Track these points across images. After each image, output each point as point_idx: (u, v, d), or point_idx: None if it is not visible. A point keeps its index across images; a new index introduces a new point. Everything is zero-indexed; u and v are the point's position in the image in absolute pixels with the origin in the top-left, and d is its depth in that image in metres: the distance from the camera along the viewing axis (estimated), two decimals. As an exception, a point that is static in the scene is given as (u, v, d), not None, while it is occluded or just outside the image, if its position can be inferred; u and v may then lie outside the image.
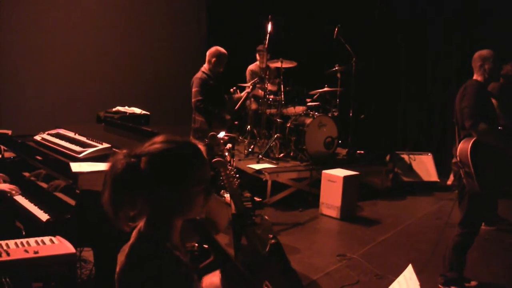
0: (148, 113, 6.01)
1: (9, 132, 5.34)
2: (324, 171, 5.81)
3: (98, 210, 1.55)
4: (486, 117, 3.58)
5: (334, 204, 5.61)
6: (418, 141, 8.07)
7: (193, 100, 5.36)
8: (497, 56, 3.73)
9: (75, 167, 3.09)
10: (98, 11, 7.73)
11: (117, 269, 1.54)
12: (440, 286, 3.86)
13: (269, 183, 5.84)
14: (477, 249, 4.35)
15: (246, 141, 6.97)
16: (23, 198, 3.27)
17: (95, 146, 3.46)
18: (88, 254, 3.61)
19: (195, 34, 8.85)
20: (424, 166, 7.09)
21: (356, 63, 7.00)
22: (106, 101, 6.68)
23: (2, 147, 4.45)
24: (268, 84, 6.66)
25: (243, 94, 6.29)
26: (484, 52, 3.75)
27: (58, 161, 3.34)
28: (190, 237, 1.77)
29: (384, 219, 5.67)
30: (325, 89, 7.00)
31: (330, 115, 6.84)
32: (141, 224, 1.59)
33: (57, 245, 2.72)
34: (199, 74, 5.41)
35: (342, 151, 7.27)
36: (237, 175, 3.05)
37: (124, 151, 1.56)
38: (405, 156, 7.13)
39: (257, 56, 7.37)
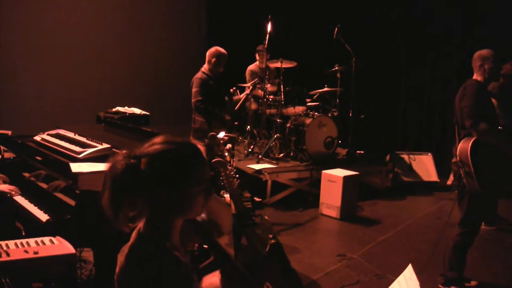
0: (148, 113, 6.02)
1: (9, 132, 5.33)
2: (324, 171, 5.81)
3: (98, 211, 1.54)
4: (486, 117, 3.58)
5: (334, 204, 5.61)
6: (418, 141, 8.07)
7: (193, 100, 5.37)
8: (497, 56, 3.73)
9: (75, 167, 3.09)
10: (98, 11, 7.73)
11: (117, 269, 1.54)
12: (440, 286, 3.86)
13: (269, 183, 5.84)
14: (477, 249, 4.35)
15: (246, 141, 6.97)
16: (23, 198, 3.27)
17: (95, 147, 3.45)
18: (88, 254, 3.61)
19: (195, 34, 8.85)
20: (424, 166, 7.09)
21: (356, 63, 7.00)
22: (106, 101, 6.68)
23: (2, 147, 4.44)
24: (268, 84, 6.66)
25: (242, 96, 6.28)
26: (484, 52, 3.75)
27: (58, 162, 3.34)
28: (192, 239, 1.77)
29: (384, 219, 5.67)
30: (325, 89, 7.00)
31: (330, 115, 6.84)
32: (140, 224, 1.59)
33: (57, 246, 2.72)
34: (199, 74, 5.41)
35: (342, 151, 7.27)
36: (237, 175, 3.04)
37: (124, 152, 1.56)
38: (405, 156, 7.13)
39: (257, 56, 7.37)
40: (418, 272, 2.01)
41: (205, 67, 5.44)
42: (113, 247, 2.72)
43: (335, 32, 6.87)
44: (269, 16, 6.54)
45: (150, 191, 1.54)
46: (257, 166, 6.06)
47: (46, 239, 2.76)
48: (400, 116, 8.33)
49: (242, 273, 1.68)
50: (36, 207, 3.10)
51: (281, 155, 6.58)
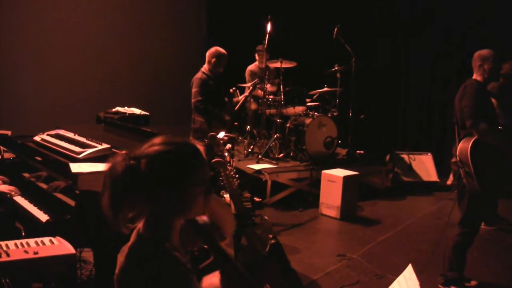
0: (148, 113, 6.02)
1: (9, 132, 5.33)
2: (324, 171, 5.81)
3: (98, 211, 1.54)
4: (486, 117, 3.58)
5: (334, 204, 5.61)
6: (418, 141, 8.07)
7: (192, 100, 5.37)
8: (497, 56, 3.73)
9: (75, 167, 3.09)
10: (98, 11, 7.73)
11: (117, 269, 1.54)
12: (440, 286, 3.86)
13: (269, 183, 5.84)
14: (477, 249, 4.35)
15: (246, 142, 6.97)
16: (23, 199, 3.27)
17: (94, 147, 3.45)
18: (88, 254, 3.60)
19: (195, 34, 8.85)
20: (424, 166, 7.09)
21: (355, 63, 7.00)
22: (105, 101, 6.68)
23: (1, 147, 4.44)
24: (268, 84, 6.66)
25: (242, 97, 6.27)
26: (484, 52, 3.75)
27: (57, 162, 3.33)
28: (193, 241, 1.77)
29: (384, 219, 5.67)
30: (325, 89, 7.01)
31: (329, 115, 6.84)
32: (140, 225, 1.59)
33: (57, 246, 2.72)
34: (199, 75, 5.41)
35: (342, 151, 7.27)
36: (237, 176, 3.04)
37: (123, 152, 1.56)
38: (405, 156, 7.13)
39: (256, 56, 7.36)
40: (418, 272, 2.01)
41: (205, 67, 5.44)
42: (113, 247, 2.72)
43: (335, 32, 6.87)
44: (269, 16, 6.54)
45: (150, 191, 1.54)
46: (257, 166, 6.06)
47: (46, 240, 2.76)
48: (400, 116, 8.33)
49: (242, 273, 1.68)
50: (36, 208, 3.10)
51: (281, 155, 6.58)
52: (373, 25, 8.43)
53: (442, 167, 7.16)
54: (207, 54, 5.45)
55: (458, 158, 3.61)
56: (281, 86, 6.58)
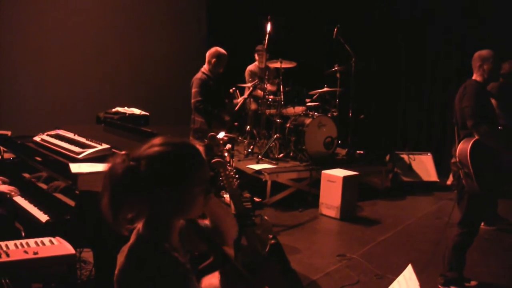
0: (148, 113, 6.01)
1: (9, 133, 5.34)
2: (323, 171, 5.81)
3: (98, 211, 1.55)
4: (486, 117, 3.58)
5: (333, 204, 5.61)
6: (417, 141, 8.07)
7: (192, 100, 5.36)
8: (496, 57, 3.73)
9: (75, 168, 3.08)
10: (98, 11, 7.73)
11: (116, 270, 1.54)
12: (440, 286, 3.86)
13: (269, 183, 5.84)
14: (477, 249, 4.35)
15: (246, 142, 6.97)
16: (23, 199, 3.26)
17: (94, 147, 3.45)
18: (88, 255, 3.60)
19: (195, 34, 8.85)
20: (424, 166, 7.09)
21: (355, 63, 7.00)
22: (105, 101, 6.68)
23: (1, 148, 4.45)
24: (268, 85, 6.66)
25: (240, 99, 6.27)
26: (484, 52, 3.75)
27: (57, 162, 3.33)
28: (195, 245, 1.77)
29: (384, 219, 5.67)
30: (325, 89, 7.01)
31: (329, 115, 6.84)
32: (139, 225, 1.59)
33: (56, 246, 2.71)
34: (199, 75, 5.41)
35: (342, 151, 7.27)
36: (237, 176, 3.04)
37: (123, 153, 1.56)
38: (405, 156, 7.13)
39: (256, 56, 7.36)
40: (418, 272, 2.01)
41: (205, 67, 5.44)
42: (113, 247, 2.73)
43: (335, 32, 6.87)
44: (269, 16, 6.53)
45: (150, 192, 1.54)
46: (256, 166, 6.06)
47: (46, 240, 2.76)
48: (400, 116, 8.33)
49: (241, 273, 1.69)
50: (36, 208, 3.10)
51: (281, 155, 6.58)
52: (373, 25, 8.43)
53: (442, 167, 7.16)
54: (207, 54, 5.45)
55: (457, 159, 3.61)
56: (281, 86, 6.58)
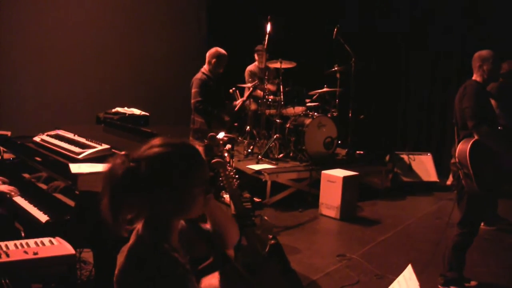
0: (148, 113, 6.00)
1: (9, 133, 5.34)
2: (323, 172, 5.81)
3: (98, 211, 1.55)
4: (486, 118, 3.58)
5: (333, 204, 5.61)
6: (417, 141, 8.07)
7: (192, 101, 5.37)
8: (496, 57, 3.74)
9: (75, 168, 3.08)
10: (98, 11, 7.73)
11: (116, 270, 1.54)
12: (439, 286, 3.86)
13: (269, 183, 5.84)
14: (477, 249, 4.35)
15: (246, 142, 6.97)
16: (23, 199, 3.26)
17: (94, 147, 3.45)
18: (87, 255, 3.60)
19: (195, 34, 8.85)
20: (424, 166, 7.09)
21: (355, 63, 7.00)
22: (105, 101, 6.68)
23: (1, 148, 4.44)
24: (268, 85, 6.66)
25: (239, 102, 6.26)
26: (484, 52, 3.75)
27: (57, 162, 3.33)
28: (197, 247, 1.77)
29: (384, 219, 5.67)
30: (325, 89, 7.01)
31: (329, 115, 6.84)
32: (139, 226, 1.59)
33: (56, 246, 2.71)
34: (199, 75, 5.41)
35: (342, 152, 7.27)
36: (237, 176, 3.04)
37: (122, 154, 1.57)
38: (405, 156, 7.13)
39: (256, 56, 7.36)
40: (418, 272, 2.01)
41: (205, 67, 5.44)
42: (112, 248, 2.74)
43: (335, 32, 6.87)
44: (269, 17, 6.53)
45: (150, 193, 1.54)
46: (256, 167, 6.06)
47: (46, 240, 2.76)
48: (400, 116, 8.33)
49: (241, 274, 1.69)
50: (36, 208, 3.09)
51: (281, 155, 6.58)
52: (373, 25, 8.42)
53: (441, 167, 7.16)
54: (207, 54, 5.45)
55: (457, 159, 3.61)
56: (281, 87, 6.58)
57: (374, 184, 6.83)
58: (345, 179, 5.58)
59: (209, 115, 5.35)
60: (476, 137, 3.56)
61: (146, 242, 1.54)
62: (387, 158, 7.14)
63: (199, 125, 5.38)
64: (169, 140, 1.60)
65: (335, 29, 6.86)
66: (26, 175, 3.70)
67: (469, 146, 3.52)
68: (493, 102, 4.02)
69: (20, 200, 3.25)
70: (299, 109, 6.74)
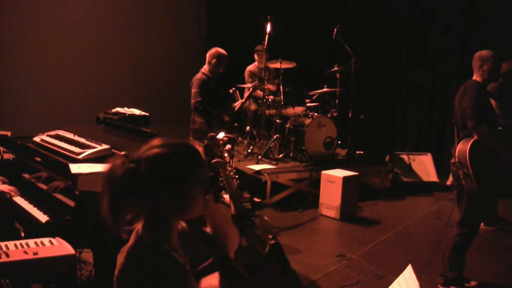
0: (148, 114, 6.01)
1: (9, 133, 5.34)
2: (323, 172, 5.81)
3: (98, 212, 1.55)
4: (486, 118, 3.58)
5: (333, 204, 5.61)
6: (417, 141, 8.07)
7: (192, 101, 5.37)
8: (497, 57, 3.73)
9: (75, 168, 3.08)
10: (98, 11, 7.73)
11: (116, 270, 1.54)
12: (440, 286, 3.86)
13: (269, 183, 5.84)
14: (477, 249, 4.35)
15: (246, 142, 6.97)
16: (22, 199, 3.26)
17: (94, 147, 3.45)
18: (87, 255, 3.60)
19: (195, 34, 8.85)
20: (424, 166, 7.09)
21: (355, 63, 7.00)
22: (105, 102, 6.68)
23: (1, 148, 4.45)
24: (268, 85, 6.66)
25: (238, 104, 6.26)
26: (484, 52, 3.75)
27: (57, 163, 3.33)
28: (199, 251, 1.77)
29: (384, 219, 5.67)
30: (325, 89, 7.00)
31: (329, 115, 6.84)
32: (139, 226, 1.59)
33: (56, 247, 2.71)
34: (199, 75, 5.41)
35: (342, 152, 7.27)
36: (237, 176, 3.04)
37: (122, 155, 1.57)
38: (405, 156, 7.13)
39: (255, 56, 7.35)
40: (418, 273, 2.01)
41: (205, 68, 5.44)
42: (112, 248, 2.74)
43: (335, 32, 6.87)
44: (269, 17, 6.53)
45: (149, 193, 1.54)
46: (256, 167, 6.06)
47: (46, 240, 2.76)
48: (400, 116, 8.33)
49: (241, 274, 1.68)
50: (36, 208, 3.09)
51: (281, 155, 6.57)
52: (373, 25, 8.43)
53: (441, 167, 7.16)
54: (208, 54, 5.45)
55: (457, 159, 3.62)
56: (281, 87, 6.57)
57: (374, 184, 6.83)
58: (345, 179, 5.58)
59: (209, 115, 5.35)
60: (476, 137, 3.56)
61: (146, 242, 1.54)
62: (387, 158, 7.14)
63: (199, 125, 5.38)
64: (169, 141, 1.60)
65: (335, 29, 6.86)
66: (26, 175, 3.70)
67: (469, 146, 3.52)
68: (493, 102, 4.02)
69: (20, 200, 3.25)
70: (299, 109, 6.74)
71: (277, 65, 6.72)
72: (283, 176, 6.01)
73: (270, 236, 3.12)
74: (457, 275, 3.83)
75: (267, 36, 6.55)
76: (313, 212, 5.78)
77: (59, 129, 4.06)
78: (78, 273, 3.40)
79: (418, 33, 7.87)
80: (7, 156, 4.24)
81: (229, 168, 2.96)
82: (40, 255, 2.58)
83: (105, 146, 3.46)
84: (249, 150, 6.74)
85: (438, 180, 7.00)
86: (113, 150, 3.38)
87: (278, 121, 6.57)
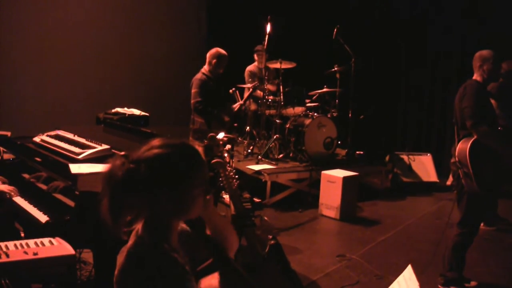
0: (147, 114, 6.01)
1: (9, 133, 5.34)
2: (323, 172, 5.81)
3: (98, 212, 1.55)
4: (485, 118, 3.58)
5: (333, 204, 5.61)
6: (417, 142, 8.07)
7: (192, 101, 5.37)
8: (497, 57, 3.73)
9: (75, 168, 3.08)
10: (98, 11, 7.73)
11: (116, 270, 1.54)
12: (439, 286, 3.86)
13: (269, 184, 5.84)
14: (477, 249, 4.35)
15: (246, 142, 6.97)
16: (22, 199, 3.26)
17: (94, 148, 3.45)
18: (87, 255, 3.61)
19: (195, 34, 8.85)
20: (424, 166, 7.09)
21: (355, 63, 7.00)
22: (105, 102, 6.68)
23: (1, 148, 4.45)
24: (268, 85, 6.66)
25: (237, 105, 6.26)
26: (485, 52, 3.75)
27: (57, 163, 3.33)
28: (199, 253, 1.77)
29: (384, 219, 5.67)
30: (324, 89, 7.00)
31: (329, 115, 6.84)
32: (139, 226, 1.59)
33: (56, 247, 2.72)
34: (199, 75, 5.41)
35: (342, 152, 7.27)
36: (237, 176, 3.04)
37: (121, 155, 1.56)
38: (405, 157, 7.13)
39: (255, 57, 7.35)
40: (418, 273, 2.01)
41: (205, 68, 5.44)
42: (112, 248, 2.73)
43: (335, 32, 6.87)
44: (269, 17, 6.53)
45: (149, 194, 1.54)
46: (256, 167, 6.06)
47: (46, 240, 2.76)
48: (400, 116, 8.33)
49: (241, 274, 1.68)
50: (36, 208, 3.09)
51: (281, 155, 6.57)
52: (373, 25, 8.43)
53: (441, 167, 7.16)
54: (208, 55, 5.45)
55: (457, 158, 3.62)
56: (281, 87, 6.57)
57: (374, 184, 6.83)
58: (345, 179, 5.58)
59: (209, 115, 5.35)
60: (475, 136, 3.56)
61: (146, 242, 1.54)
62: (387, 158, 7.14)
63: (199, 125, 5.38)
64: (168, 141, 1.60)
65: (335, 29, 6.86)
66: (26, 175, 3.70)
67: (469, 145, 3.52)
68: (493, 102, 4.01)
69: (20, 200, 3.25)
70: (299, 110, 6.74)
71: (277, 65, 6.72)
72: (283, 176, 6.01)
73: (270, 236, 3.12)
74: (457, 275, 3.83)
75: (267, 36, 6.55)
76: (313, 212, 5.78)
77: (59, 129, 4.06)
78: (78, 273, 3.40)
79: (418, 33, 7.87)
80: (7, 156, 4.24)
81: (229, 168, 2.96)
82: (40, 255, 2.59)
83: (105, 146, 3.46)
84: (249, 150, 6.74)
85: (438, 180, 7.00)
86: (113, 150, 3.38)
87: (278, 121, 6.57)
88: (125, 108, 6.04)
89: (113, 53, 7.84)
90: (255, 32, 7.15)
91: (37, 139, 3.87)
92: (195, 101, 5.32)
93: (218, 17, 8.82)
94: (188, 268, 1.55)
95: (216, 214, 1.82)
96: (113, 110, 5.92)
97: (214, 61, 5.36)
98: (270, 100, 6.69)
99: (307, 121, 6.43)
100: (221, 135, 3.49)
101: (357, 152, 7.27)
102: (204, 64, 5.48)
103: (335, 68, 7.01)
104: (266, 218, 5.17)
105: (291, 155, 6.64)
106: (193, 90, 5.36)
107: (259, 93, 6.79)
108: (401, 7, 8.12)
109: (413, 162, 7.08)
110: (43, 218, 2.96)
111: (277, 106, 6.64)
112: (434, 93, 7.88)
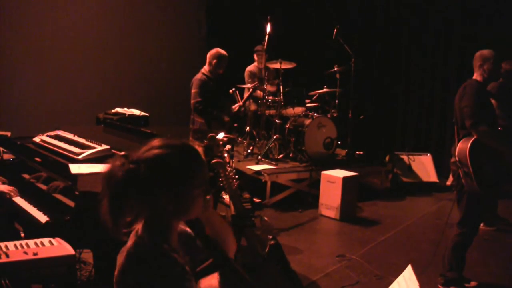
0: (147, 114, 6.02)
1: (8, 133, 5.34)
2: (323, 172, 5.81)
3: (98, 212, 1.55)
4: (485, 118, 3.58)
5: (333, 205, 5.61)
6: (417, 142, 8.07)
7: (192, 101, 5.36)
8: (498, 57, 3.73)
9: (74, 168, 3.09)
10: (98, 11, 7.73)
11: (116, 270, 1.54)
12: (439, 286, 3.86)
13: (269, 184, 5.84)
14: (476, 249, 4.35)
15: (245, 142, 6.96)
16: (22, 199, 3.26)
17: (94, 148, 3.45)
18: (87, 255, 3.61)
19: (195, 34, 8.85)
20: (424, 166, 7.09)
21: (355, 63, 7.00)
22: (105, 102, 6.68)
23: (1, 148, 4.45)
24: (268, 85, 6.66)
25: (236, 107, 6.26)
26: (485, 52, 3.74)
27: (57, 163, 3.33)
28: (199, 253, 1.77)
29: (384, 219, 5.67)
30: (324, 90, 7.00)
31: (329, 115, 6.84)
32: (138, 226, 1.59)
33: (56, 247, 2.72)
34: (199, 76, 5.41)
35: (342, 152, 7.26)
36: (237, 176, 3.04)
37: (121, 155, 1.56)
38: (405, 157, 7.13)
39: (255, 57, 7.34)
40: (418, 273, 2.01)
41: (205, 68, 5.44)
42: (112, 248, 2.73)
43: (335, 32, 6.87)
44: (269, 17, 6.53)
45: (149, 194, 1.54)
46: (256, 167, 6.06)
47: (46, 240, 2.76)
48: (400, 117, 8.32)
49: (241, 274, 1.68)
50: (36, 208, 3.10)
51: (281, 156, 6.57)
52: (373, 25, 8.42)
53: (441, 167, 7.16)
54: (208, 55, 5.45)
55: (457, 158, 3.62)
56: (281, 87, 6.57)
57: (374, 184, 6.83)
58: (345, 179, 5.58)
59: (209, 115, 5.35)
60: (475, 136, 3.56)
61: (145, 243, 1.54)
62: (387, 158, 7.14)
63: (199, 125, 5.38)
64: (168, 141, 1.60)
65: (335, 29, 6.86)
66: (26, 176, 3.70)
67: (469, 145, 3.52)
68: (493, 102, 4.01)
69: (19, 201, 3.25)
70: (298, 110, 6.73)
71: (277, 65, 6.71)
72: (283, 177, 6.01)
73: (270, 237, 3.12)
74: (457, 275, 3.83)
75: (267, 36, 6.54)
76: (313, 212, 5.78)
77: (59, 129, 4.06)
78: (78, 274, 3.40)
79: (418, 33, 7.86)
80: (7, 156, 4.24)
81: (229, 169, 2.96)
82: (40, 256, 2.59)
83: (105, 147, 3.46)
84: (249, 151, 6.74)
85: (438, 180, 7.00)
86: (113, 151, 3.38)
87: (278, 121, 6.57)
88: (125, 108, 6.05)
89: (113, 53, 7.84)
90: (255, 32, 7.15)
91: (37, 139, 3.87)
92: (195, 101, 5.31)
93: (218, 17, 8.82)
94: (188, 268, 1.55)
95: (215, 215, 1.82)
96: (113, 110, 5.93)
97: (214, 61, 5.36)
98: (270, 100, 6.69)
99: (307, 121, 6.43)
100: (221, 135, 3.49)
101: (357, 152, 7.27)
102: (204, 64, 5.48)
103: (335, 68, 7.01)
104: (266, 218, 5.17)
105: (291, 155, 6.64)
106: (193, 90, 5.36)
107: (259, 93, 6.79)
108: (401, 7, 8.11)
109: (413, 162, 7.08)
110: (43, 218, 2.96)
111: (277, 106, 6.64)
112: (434, 93, 7.87)
